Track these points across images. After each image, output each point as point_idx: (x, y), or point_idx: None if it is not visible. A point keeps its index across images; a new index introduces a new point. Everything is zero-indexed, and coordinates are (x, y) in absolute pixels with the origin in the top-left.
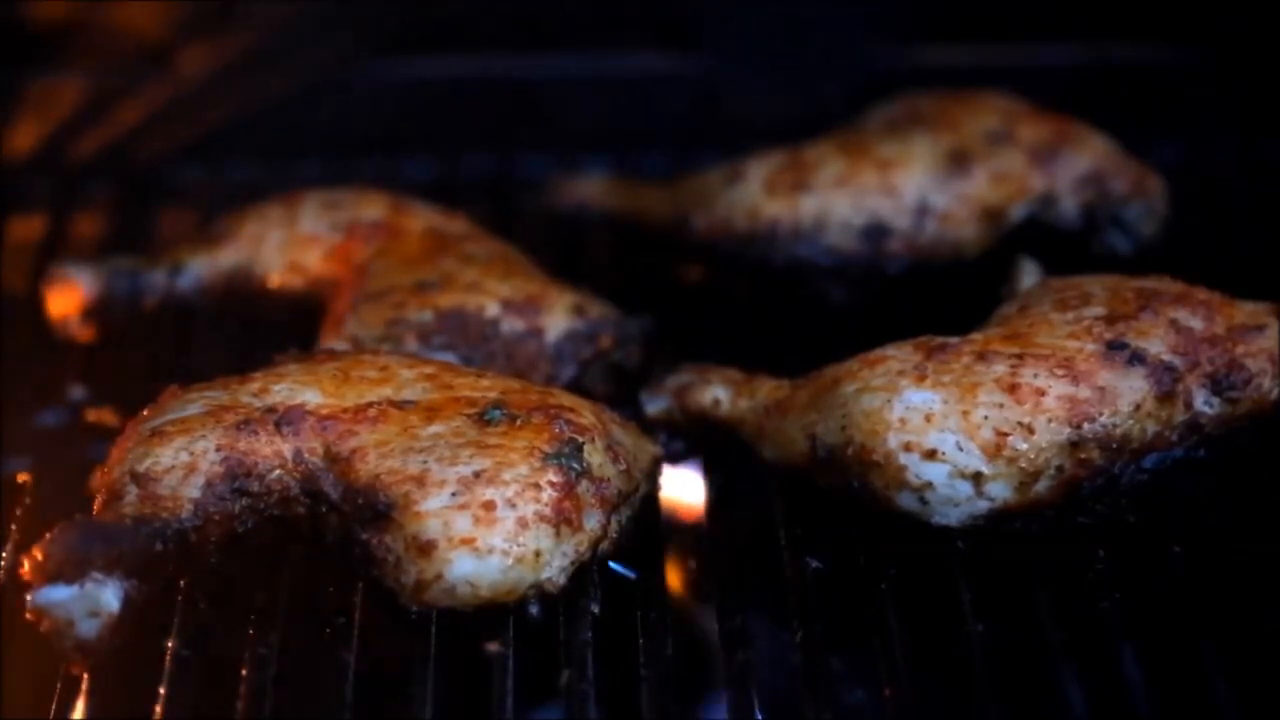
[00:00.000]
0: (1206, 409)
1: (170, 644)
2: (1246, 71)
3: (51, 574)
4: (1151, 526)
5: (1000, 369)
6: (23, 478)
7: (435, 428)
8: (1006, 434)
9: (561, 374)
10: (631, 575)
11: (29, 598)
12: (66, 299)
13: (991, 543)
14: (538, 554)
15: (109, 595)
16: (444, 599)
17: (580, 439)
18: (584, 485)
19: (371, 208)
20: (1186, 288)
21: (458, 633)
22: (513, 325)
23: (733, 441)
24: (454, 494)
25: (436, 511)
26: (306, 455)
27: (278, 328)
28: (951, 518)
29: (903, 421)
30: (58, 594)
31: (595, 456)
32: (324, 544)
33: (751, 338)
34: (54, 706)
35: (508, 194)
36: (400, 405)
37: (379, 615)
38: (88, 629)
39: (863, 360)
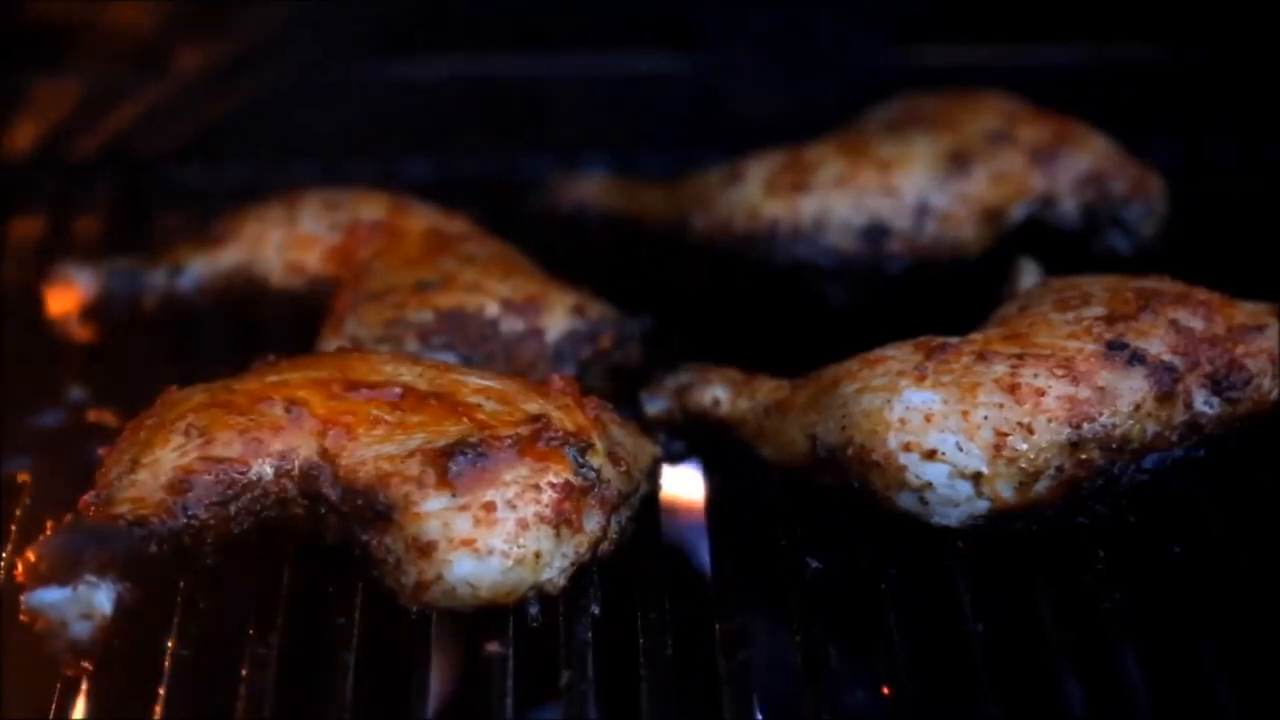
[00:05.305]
0: (1206, 409)
1: (170, 644)
2: (1246, 71)
3: (44, 576)
4: (1151, 526)
5: (1000, 369)
6: (22, 478)
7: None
8: (1006, 434)
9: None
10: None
11: (22, 599)
12: (66, 299)
13: (991, 543)
14: (538, 555)
15: (101, 598)
16: (444, 600)
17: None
18: None
19: (371, 208)
20: (1186, 288)
21: (458, 633)
22: (512, 325)
23: (733, 441)
24: (454, 495)
25: (437, 513)
26: (305, 456)
27: (278, 328)
28: (951, 518)
29: (903, 422)
30: (50, 596)
31: (595, 458)
32: (323, 544)
33: (751, 338)
34: (54, 707)
35: (508, 194)
36: (400, 406)
37: (379, 615)
38: (80, 631)
39: (863, 360)
